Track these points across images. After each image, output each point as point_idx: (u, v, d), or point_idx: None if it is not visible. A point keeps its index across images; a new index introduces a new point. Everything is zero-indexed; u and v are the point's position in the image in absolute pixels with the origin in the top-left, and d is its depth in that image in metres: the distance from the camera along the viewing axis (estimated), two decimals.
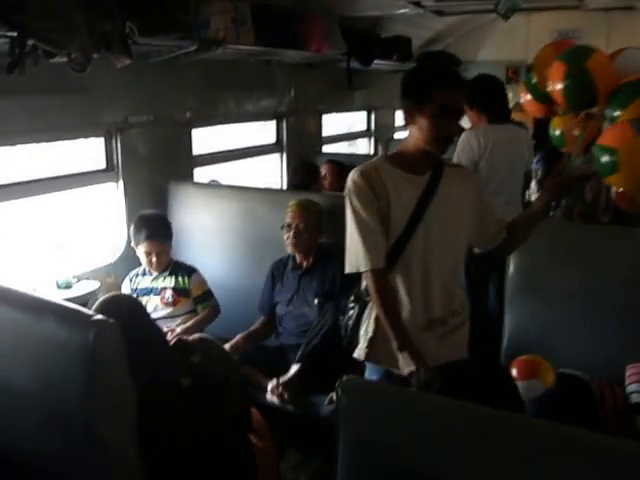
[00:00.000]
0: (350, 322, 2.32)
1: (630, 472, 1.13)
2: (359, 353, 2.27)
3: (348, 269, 2.19)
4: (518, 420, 1.37)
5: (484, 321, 3.18)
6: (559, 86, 2.04)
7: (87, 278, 3.29)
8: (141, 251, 3.23)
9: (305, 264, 3.15)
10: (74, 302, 2.88)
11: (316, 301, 3.05)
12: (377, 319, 2.21)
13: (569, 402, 2.37)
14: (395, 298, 2.19)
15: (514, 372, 2.39)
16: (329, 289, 3.03)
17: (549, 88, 2.08)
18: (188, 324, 3.19)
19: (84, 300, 3.06)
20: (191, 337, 2.28)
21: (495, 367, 2.37)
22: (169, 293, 3.27)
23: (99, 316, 1.54)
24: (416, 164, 2.18)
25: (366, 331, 2.25)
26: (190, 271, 3.32)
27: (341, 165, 4.66)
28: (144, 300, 3.26)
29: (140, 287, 3.32)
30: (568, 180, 2.19)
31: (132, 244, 3.27)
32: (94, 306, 2.03)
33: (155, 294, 3.29)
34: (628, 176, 1.97)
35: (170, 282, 3.28)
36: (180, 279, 3.29)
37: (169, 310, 3.28)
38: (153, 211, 3.39)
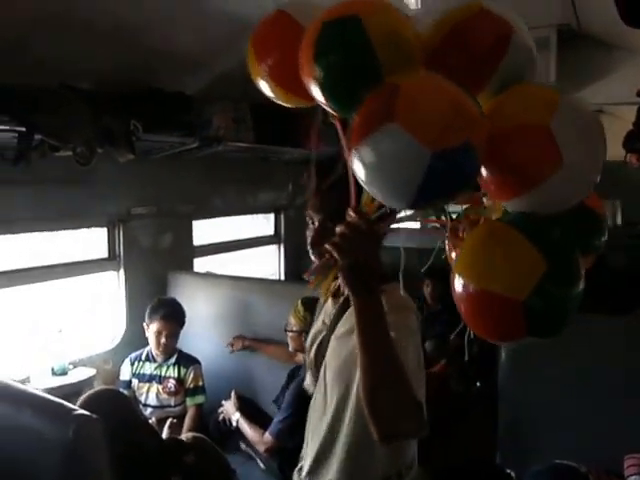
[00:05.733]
0: None
1: None
2: None
3: None
4: None
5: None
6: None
7: (84, 365, 3.16)
8: (152, 330, 3.13)
9: None
10: (68, 389, 2.82)
11: None
12: None
13: None
14: None
15: None
16: None
17: None
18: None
19: (79, 388, 2.91)
20: (185, 436, 2.14)
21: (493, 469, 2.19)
22: (172, 383, 3.16)
23: (80, 411, 1.42)
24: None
25: None
26: (192, 362, 3.22)
27: None
28: (145, 387, 3.16)
29: (142, 372, 3.19)
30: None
31: (144, 323, 3.18)
32: (79, 401, 1.90)
33: (157, 382, 3.17)
34: None
35: (174, 372, 3.17)
36: (183, 370, 3.18)
37: (169, 399, 3.16)
38: (171, 297, 3.35)
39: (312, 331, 1.74)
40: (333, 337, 1.58)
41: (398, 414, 1.25)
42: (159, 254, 3.62)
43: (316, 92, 1.22)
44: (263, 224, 5.00)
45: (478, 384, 4.14)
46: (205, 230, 4.19)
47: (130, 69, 2.79)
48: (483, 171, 1.21)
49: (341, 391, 1.50)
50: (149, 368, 3.19)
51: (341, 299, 1.59)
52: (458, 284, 1.21)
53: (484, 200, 1.39)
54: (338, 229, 1.24)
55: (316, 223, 1.53)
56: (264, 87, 1.41)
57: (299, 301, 2.90)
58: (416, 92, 1.11)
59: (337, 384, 1.52)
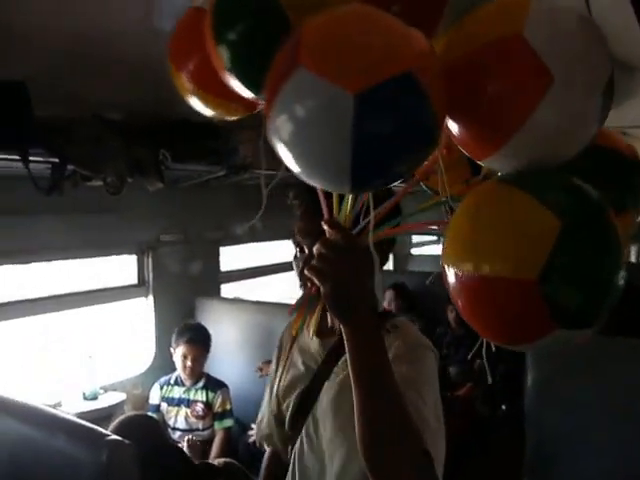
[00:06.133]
0: None
1: None
2: None
3: None
4: None
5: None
6: None
7: (114, 389, 3.17)
8: (179, 354, 3.16)
9: None
10: (99, 414, 2.83)
11: None
12: None
13: None
14: None
15: None
16: None
17: None
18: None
19: (109, 412, 2.93)
20: (216, 461, 2.13)
21: None
22: (200, 407, 3.16)
23: (113, 436, 1.42)
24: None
25: None
26: (219, 386, 3.23)
27: None
28: (174, 410, 3.17)
29: (171, 396, 3.21)
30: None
31: (171, 347, 3.21)
32: (111, 425, 1.91)
33: (186, 406, 3.18)
34: None
35: (202, 396, 3.18)
36: (211, 394, 3.19)
37: (198, 423, 3.16)
38: (197, 322, 3.38)
39: (285, 376, 1.44)
40: (328, 385, 1.31)
41: (402, 469, 1.02)
42: (187, 280, 3.64)
43: (233, 81, 1.02)
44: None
45: (504, 407, 4.08)
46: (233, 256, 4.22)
47: (159, 100, 2.83)
48: (452, 125, 0.93)
49: (347, 450, 1.23)
50: (178, 392, 3.21)
51: (334, 337, 1.33)
52: (451, 279, 0.90)
53: None
54: (315, 249, 1.02)
55: (305, 250, 1.29)
56: (196, 103, 1.24)
57: None
58: (324, 25, 0.83)
59: (341, 442, 1.25)
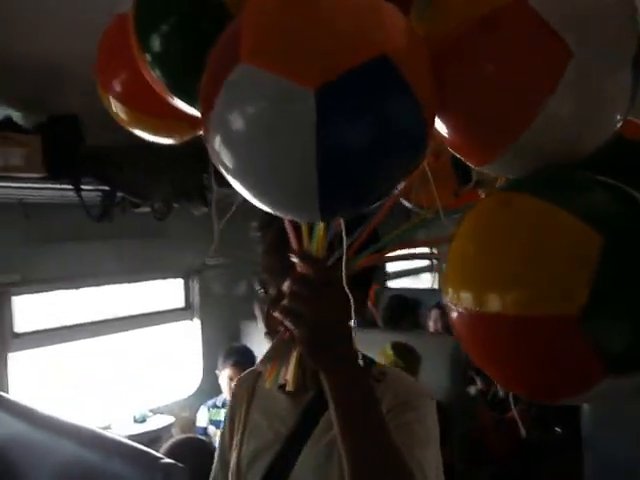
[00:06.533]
0: None
1: None
2: None
3: None
4: None
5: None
6: None
7: (162, 412, 3.21)
8: (225, 376, 3.18)
9: None
10: (148, 436, 2.86)
11: None
12: None
13: None
14: None
15: None
16: None
17: None
18: None
19: (157, 435, 2.96)
20: None
21: None
22: None
23: (167, 459, 1.44)
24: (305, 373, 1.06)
25: None
26: None
27: (406, 300, 4.56)
28: (220, 433, 3.16)
29: (218, 419, 3.21)
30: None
31: (217, 370, 3.24)
32: (163, 448, 1.93)
33: None
34: None
35: None
36: None
37: None
38: (242, 344, 3.41)
39: (247, 443, 1.18)
40: (309, 451, 1.07)
41: None
42: (232, 303, 3.68)
43: (169, 97, 0.83)
44: None
45: (558, 430, 3.93)
46: None
47: None
48: (442, 124, 0.73)
49: None
50: (224, 414, 3.21)
51: (311, 393, 1.10)
52: (458, 319, 0.70)
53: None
54: (286, 287, 0.89)
55: (271, 291, 1.07)
56: (138, 132, 1.08)
57: (388, 345, 2.69)
58: (269, 5, 0.66)
59: None
